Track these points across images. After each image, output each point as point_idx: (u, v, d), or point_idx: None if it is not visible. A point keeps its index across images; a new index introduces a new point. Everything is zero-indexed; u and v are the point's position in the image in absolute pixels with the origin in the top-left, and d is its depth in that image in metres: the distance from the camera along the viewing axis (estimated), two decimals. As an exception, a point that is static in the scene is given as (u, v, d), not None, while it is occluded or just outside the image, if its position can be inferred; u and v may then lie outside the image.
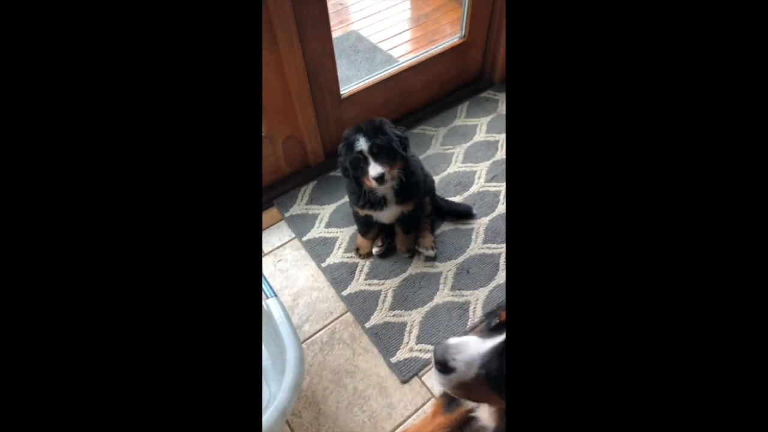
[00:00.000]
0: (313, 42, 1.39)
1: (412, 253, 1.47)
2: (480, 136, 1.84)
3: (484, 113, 1.93)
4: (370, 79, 1.71)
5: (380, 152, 1.17)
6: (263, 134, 1.52)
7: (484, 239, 1.51)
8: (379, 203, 1.29)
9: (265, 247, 1.53)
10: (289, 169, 1.66)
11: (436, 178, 1.68)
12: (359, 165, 1.19)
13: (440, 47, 1.83)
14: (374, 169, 1.15)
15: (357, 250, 1.47)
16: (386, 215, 1.33)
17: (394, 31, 2.57)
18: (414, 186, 1.29)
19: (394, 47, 2.46)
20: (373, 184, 1.17)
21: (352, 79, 2.25)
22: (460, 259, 1.46)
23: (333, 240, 1.53)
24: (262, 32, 1.28)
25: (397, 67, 1.76)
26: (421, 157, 1.76)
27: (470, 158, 1.76)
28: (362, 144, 1.16)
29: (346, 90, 1.65)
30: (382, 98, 1.76)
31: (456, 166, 1.73)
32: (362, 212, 1.34)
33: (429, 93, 1.90)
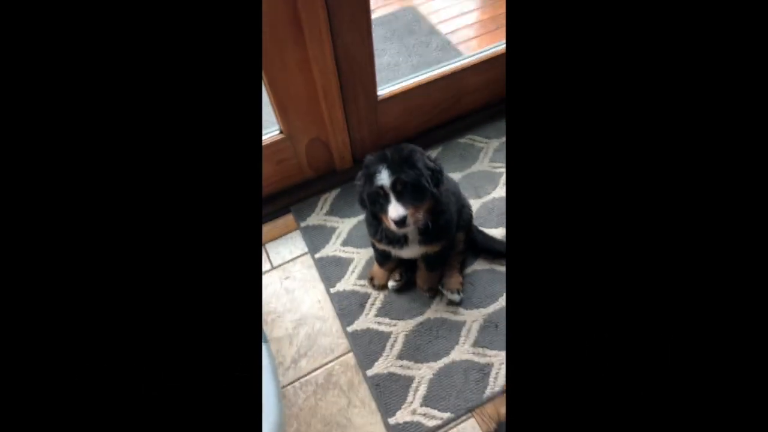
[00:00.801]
0: (348, 34, 1.17)
1: (434, 292, 1.26)
2: (538, 154, 1.56)
3: (547, 126, 1.63)
4: (416, 78, 1.47)
5: (405, 190, 0.96)
6: (284, 134, 1.34)
7: (523, 288, 1.27)
8: (399, 241, 1.09)
9: (275, 259, 1.39)
10: (312, 173, 1.49)
11: (478, 203, 1.45)
12: (378, 200, 0.99)
13: (502, 46, 1.54)
14: (395, 210, 0.95)
15: (371, 279, 1.29)
16: (407, 253, 1.13)
17: (458, 11, 2.25)
18: (444, 226, 1.07)
19: (455, 31, 2.15)
20: (392, 226, 0.96)
21: (401, 67, 2.01)
22: (490, 309, 1.24)
23: (347, 261, 1.35)
24: (287, 20, 1.08)
25: (452, 66, 1.50)
26: (463, 174, 1.52)
27: (522, 182, 1.49)
28: (384, 178, 0.96)
29: (385, 90, 1.42)
30: (428, 101, 1.51)
31: (503, 190, 1.48)
32: (380, 246, 1.15)
33: (485, 96, 1.62)
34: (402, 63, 2.01)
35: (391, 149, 0.99)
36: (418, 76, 1.47)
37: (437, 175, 0.99)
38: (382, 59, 2.02)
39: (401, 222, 0.94)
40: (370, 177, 0.98)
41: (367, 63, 1.27)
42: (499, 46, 1.55)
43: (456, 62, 1.51)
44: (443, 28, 2.17)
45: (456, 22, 2.20)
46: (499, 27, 2.15)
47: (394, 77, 1.93)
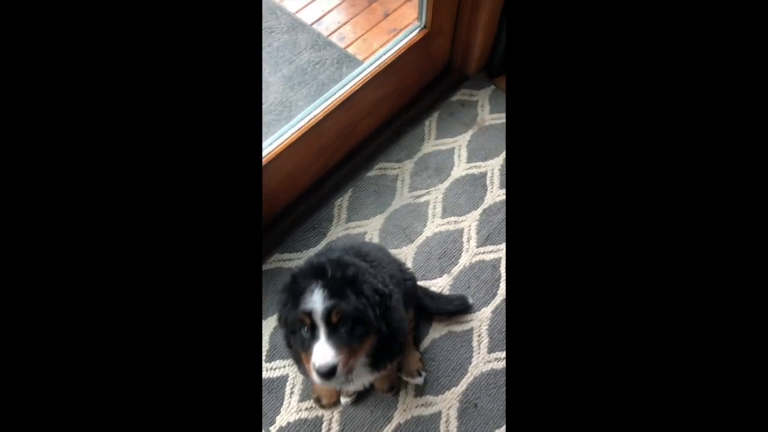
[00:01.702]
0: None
1: (397, 389, 1.05)
2: (461, 167, 1.34)
3: (460, 126, 1.40)
4: (300, 124, 1.13)
5: (342, 323, 0.69)
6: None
7: (490, 345, 1.10)
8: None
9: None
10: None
11: (411, 249, 1.22)
12: (301, 332, 0.71)
13: (396, 48, 1.23)
14: (321, 355, 0.68)
15: (318, 399, 1.03)
16: (356, 386, 0.88)
17: (316, -9, 1.85)
18: (398, 347, 0.83)
19: (321, 18, 1.77)
20: (313, 376, 0.70)
21: (271, 84, 1.60)
22: (462, 384, 1.06)
23: (280, 382, 1.07)
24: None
25: (344, 91, 1.17)
26: (385, 216, 1.26)
27: (452, 207, 1.28)
28: (316, 301, 0.68)
29: (263, 154, 1.07)
30: (320, 142, 1.19)
31: (435, 225, 1.26)
32: (318, 385, 0.88)
33: (383, 112, 1.34)
34: (270, 77, 1.61)
35: (333, 263, 0.71)
36: (301, 120, 1.13)
37: (385, 300, 0.73)
38: (243, 79, 1.60)
39: (328, 374, 0.68)
40: (297, 296, 0.70)
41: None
42: (388, 52, 1.24)
43: (349, 83, 1.19)
44: (306, 17, 1.77)
45: (318, 7, 1.80)
46: (371, 2, 1.81)
47: (266, 99, 1.55)
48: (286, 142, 1.10)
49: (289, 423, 1.03)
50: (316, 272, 0.71)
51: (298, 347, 0.75)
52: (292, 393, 1.06)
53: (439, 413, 1.03)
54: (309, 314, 0.69)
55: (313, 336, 0.70)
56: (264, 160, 1.06)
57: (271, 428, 1.02)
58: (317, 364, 0.68)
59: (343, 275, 0.70)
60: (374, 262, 0.82)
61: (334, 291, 0.69)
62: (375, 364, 0.82)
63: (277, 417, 1.03)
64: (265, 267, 1.19)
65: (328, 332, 0.69)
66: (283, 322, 0.76)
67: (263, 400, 1.05)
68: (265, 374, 1.08)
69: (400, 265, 0.98)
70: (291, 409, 1.04)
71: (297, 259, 1.21)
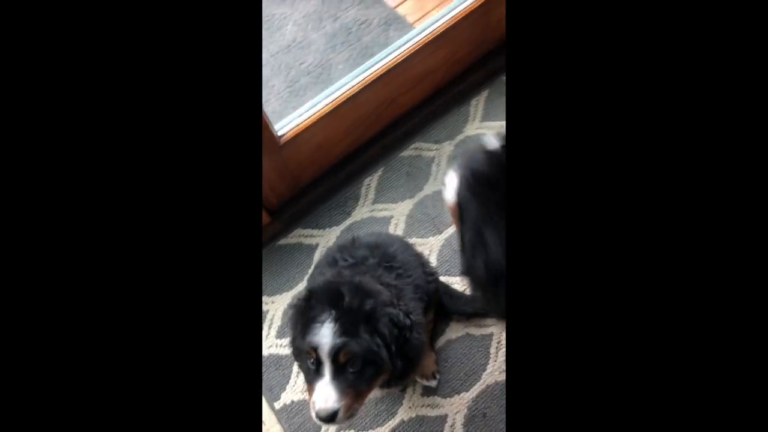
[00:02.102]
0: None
1: (404, 386, 1.01)
2: (504, 156, 1.22)
3: (510, 110, 1.27)
4: (335, 94, 1.04)
5: (350, 364, 0.64)
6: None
7: (509, 355, 1.04)
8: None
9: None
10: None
11: (439, 240, 1.14)
12: (306, 362, 0.68)
13: (452, 14, 1.10)
14: (323, 398, 0.64)
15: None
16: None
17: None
18: (412, 369, 0.78)
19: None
20: (313, 417, 0.66)
21: (313, 42, 1.50)
22: (473, 391, 1.01)
23: (288, 360, 1.06)
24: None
25: (393, 57, 1.06)
26: (415, 201, 1.19)
27: (489, 201, 1.18)
28: (324, 335, 0.64)
29: (287, 127, 1.00)
30: (355, 115, 1.10)
31: (467, 217, 1.17)
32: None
33: (427, 87, 1.22)
34: (311, 34, 1.50)
35: (351, 288, 0.66)
36: (338, 90, 1.04)
37: (405, 333, 0.67)
38: (282, 34, 1.50)
39: (327, 419, 0.64)
40: (307, 323, 0.65)
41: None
42: (448, 14, 1.09)
43: (395, 51, 1.07)
44: (357, -32, 1.62)
45: (372, -43, 1.64)
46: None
47: (304, 59, 1.46)
48: (319, 112, 1.02)
49: (293, 401, 1.02)
50: (332, 297, 0.66)
51: (303, 374, 0.71)
52: (299, 372, 1.05)
53: (445, 416, 1.00)
54: (315, 349, 0.64)
55: (318, 372, 0.65)
56: (294, 131, 0.99)
57: (276, 404, 1.02)
58: (317, 407, 0.64)
59: (360, 309, 0.64)
60: (400, 269, 0.76)
61: (346, 327, 0.63)
62: (386, 384, 0.77)
63: (282, 394, 1.03)
64: (285, 241, 1.16)
65: (334, 372, 0.64)
66: (291, 343, 0.72)
67: (271, 375, 1.05)
68: (274, 350, 1.07)
69: (423, 264, 0.92)
70: (297, 388, 1.04)
71: (318, 236, 1.16)
